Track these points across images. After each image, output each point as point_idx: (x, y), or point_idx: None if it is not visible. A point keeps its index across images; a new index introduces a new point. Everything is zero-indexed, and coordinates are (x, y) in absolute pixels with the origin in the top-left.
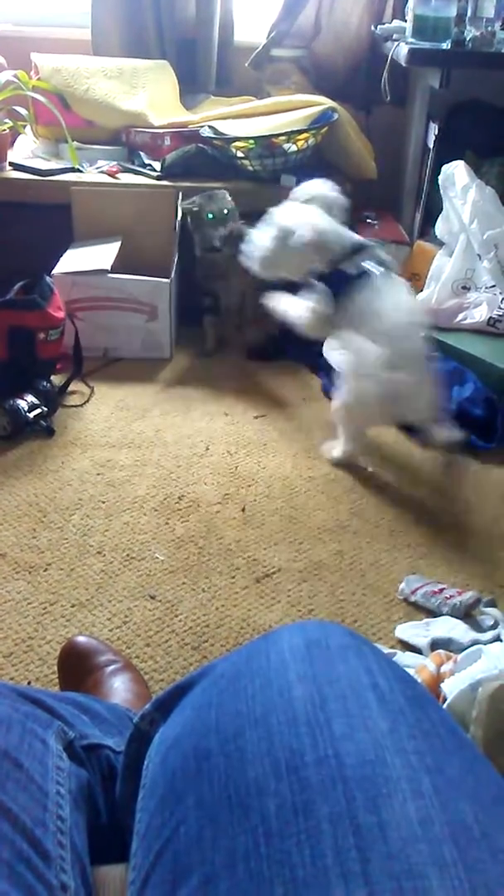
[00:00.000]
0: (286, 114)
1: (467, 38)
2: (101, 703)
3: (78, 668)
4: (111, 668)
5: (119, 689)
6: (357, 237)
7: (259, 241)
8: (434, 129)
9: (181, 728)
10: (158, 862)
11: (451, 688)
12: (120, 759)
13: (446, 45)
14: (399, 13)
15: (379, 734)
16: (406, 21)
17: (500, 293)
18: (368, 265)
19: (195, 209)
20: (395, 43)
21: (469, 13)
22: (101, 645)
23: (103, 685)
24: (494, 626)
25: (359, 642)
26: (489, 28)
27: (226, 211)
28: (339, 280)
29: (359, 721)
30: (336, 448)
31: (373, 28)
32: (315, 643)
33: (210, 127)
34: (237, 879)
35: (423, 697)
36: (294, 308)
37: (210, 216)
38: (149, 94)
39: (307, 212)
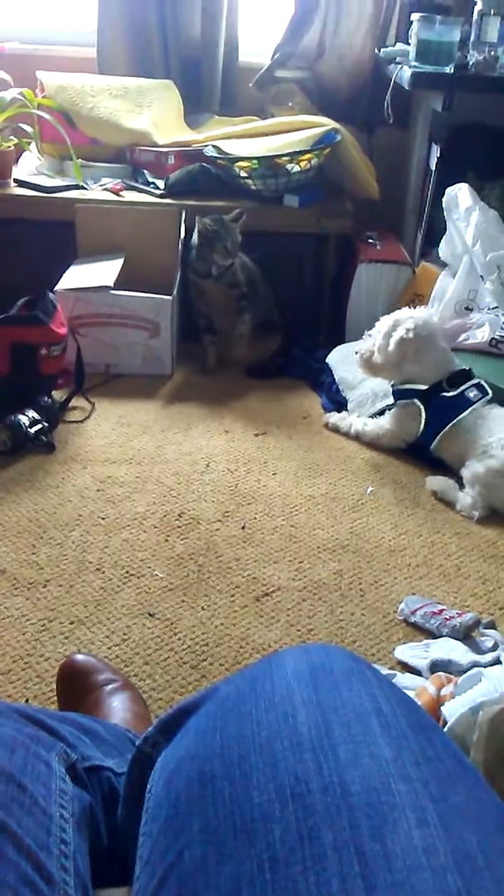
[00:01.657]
0: (289, 134)
1: (470, 63)
2: (100, 723)
3: (77, 686)
4: (110, 686)
5: (118, 708)
6: (459, 364)
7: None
8: (436, 151)
9: (185, 751)
10: (162, 887)
11: (452, 711)
12: (121, 780)
13: (449, 69)
14: (402, 36)
15: (383, 761)
16: (409, 44)
17: (503, 314)
18: (470, 392)
19: (210, 234)
20: (399, 66)
21: (472, 38)
22: (100, 663)
23: (102, 704)
24: (494, 648)
25: (362, 667)
26: (492, 52)
27: (236, 242)
28: (437, 404)
29: (363, 748)
30: (463, 502)
31: (376, 51)
32: (319, 668)
33: (214, 146)
34: None
35: (426, 723)
36: (371, 425)
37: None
38: (153, 113)
39: (419, 311)
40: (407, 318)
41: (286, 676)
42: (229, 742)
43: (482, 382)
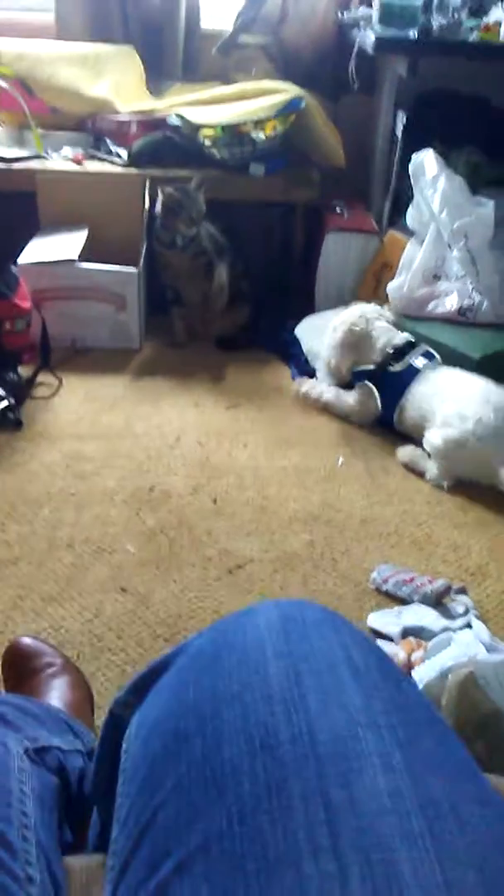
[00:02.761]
0: (253, 101)
1: (434, 27)
2: (36, 704)
3: (20, 669)
4: (49, 671)
5: (54, 696)
6: (403, 337)
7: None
8: (402, 118)
9: (160, 710)
10: (137, 847)
11: (422, 675)
12: (68, 757)
13: (413, 34)
14: (366, 0)
15: (353, 710)
16: (372, 8)
17: (470, 283)
18: (416, 361)
19: (173, 204)
20: (362, 30)
21: (436, 1)
22: (44, 646)
23: (39, 690)
24: (465, 614)
25: (334, 618)
26: (455, 16)
27: (200, 211)
28: (388, 380)
29: (333, 697)
30: (431, 472)
31: (339, 14)
32: (291, 619)
33: (177, 114)
34: (211, 860)
35: (396, 672)
36: (341, 398)
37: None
38: (114, 80)
39: (351, 312)
40: (340, 324)
41: (258, 628)
42: (202, 697)
43: (428, 349)
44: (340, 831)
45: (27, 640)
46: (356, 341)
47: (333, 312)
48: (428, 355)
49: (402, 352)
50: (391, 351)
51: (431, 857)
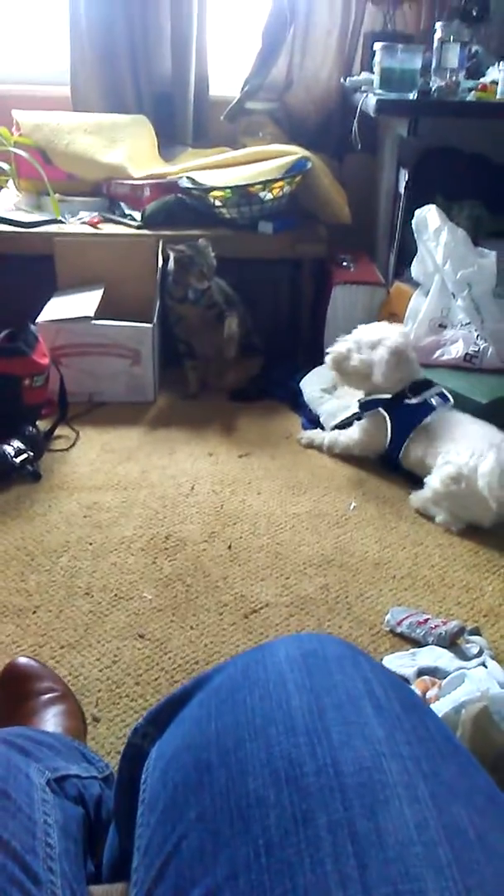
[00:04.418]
0: (261, 163)
1: (433, 88)
2: (50, 734)
3: (15, 691)
4: (47, 696)
5: (50, 723)
6: (422, 374)
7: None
8: (405, 175)
9: (180, 741)
10: (161, 877)
11: (436, 711)
12: (87, 784)
13: (413, 96)
14: (367, 66)
15: (376, 741)
16: (374, 73)
17: (475, 330)
18: (432, 399)
19: (185, 259)
20: (364, 94)
21: (434, 64)
22: (42, 669)
23: (36, 716)
24: (479, 654)
25: (354, 652)
26: (453, 78)
27: (211, 266)
28: (401, 412)
29: (356, 729)
30: (440, 516)
31: (342, 80)
32: (311, 653)
33: (188, 177)
34: (239, 891)
35: (418, 704)
36: (342, 436)
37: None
38: (128, 147)
39: (400, 334)
40: (392, 339)
41: (279, 663)
42: (225, 730)
43: (443, 391)
44: (368, 863)
45: (24, 661)
46: (397, 366)
47: None
48: (443, 396)
49: (418, 387)
50: (409, 384)
51: (459, 887)
